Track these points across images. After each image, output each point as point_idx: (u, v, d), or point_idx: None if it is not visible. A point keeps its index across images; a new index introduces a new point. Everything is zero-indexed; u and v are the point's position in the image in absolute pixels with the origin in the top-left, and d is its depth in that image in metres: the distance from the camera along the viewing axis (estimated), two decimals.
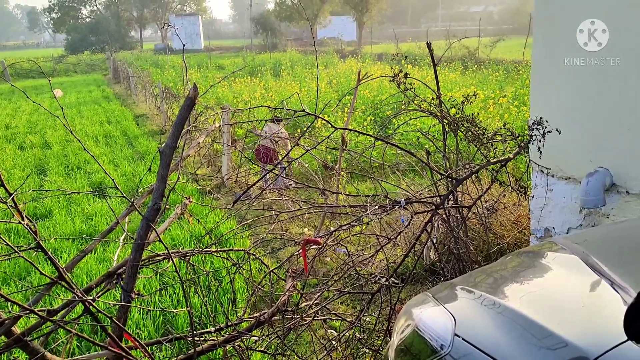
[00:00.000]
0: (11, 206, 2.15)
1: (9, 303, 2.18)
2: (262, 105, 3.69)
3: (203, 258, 5.06)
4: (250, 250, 3.39)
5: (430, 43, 4.40)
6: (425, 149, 4.47)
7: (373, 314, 3.86)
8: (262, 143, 7.26)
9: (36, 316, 2.15)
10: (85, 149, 2.36)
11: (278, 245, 4.97)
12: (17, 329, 2.34)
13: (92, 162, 10.15)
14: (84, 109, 18.15)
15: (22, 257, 2.03)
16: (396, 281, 3.73)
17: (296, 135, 7.52)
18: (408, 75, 3.99)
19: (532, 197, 4.34)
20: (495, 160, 4.00)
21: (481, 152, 4.08)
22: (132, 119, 15.50)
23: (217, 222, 5.58)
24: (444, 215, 4.21)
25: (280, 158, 6.67)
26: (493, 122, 8.98)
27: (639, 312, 1.40)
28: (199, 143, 3.77)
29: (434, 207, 3.72)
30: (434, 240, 4.47)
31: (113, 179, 2.38)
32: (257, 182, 3.66)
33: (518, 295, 2.03)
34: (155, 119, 15.18)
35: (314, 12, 51.51)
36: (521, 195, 4.72)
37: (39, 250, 2.16)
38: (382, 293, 3.36)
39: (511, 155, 4.05)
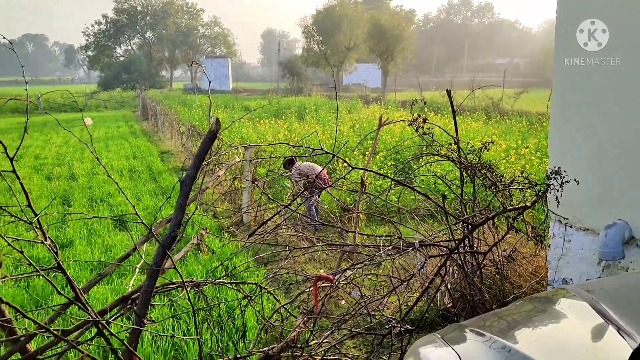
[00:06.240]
0: (36, 227, 2.24)
1: (26, 322, 2.24)
2: (282, 143, 3.79)
3: (217, 292, 5.08)
4: (262, 284, 3.42)
5: (450, 90, 4.49)
6: (442, 193, 4.50)
7: (384, 357, 3.82)
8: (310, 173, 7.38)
9: (51, 335, 2.20)
10: (109, 177, 2.45)
11: (293, 282, 4.98)
12: (31, 347, 2.39)
13: (115, 195, 10.36)
14: (111, 143, 18.63)
15: (43, 275, 2.10)
16: (409, 326, 3.70)
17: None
18: (427, 120, 4.06)
19: (549, 246, 4.30)
20: (511, 207, 4.00)
21: (497, 199, 4.09)
22: (157, 155, 15.83)
23: (231, 255, 5.61)
24: (459, 261, 4.20)
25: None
26: (514, 171, 8.95)
27: None
28: (219, 176, 3.86)
29: (448, 251, 3.73)
30: (448, 286, 4.44)
31: (134, 206, 2.47)
32: (276, 212, 3.72)
33: (527, 339, 2.02)
34: (180, 156, 15.47)
35: (340, 59, 52.58)
36: (538, 244, 4.69)
37: (59, 270, 2.23)
38: (392, 336, 3.34)
39: (528, 204, 4.05)
